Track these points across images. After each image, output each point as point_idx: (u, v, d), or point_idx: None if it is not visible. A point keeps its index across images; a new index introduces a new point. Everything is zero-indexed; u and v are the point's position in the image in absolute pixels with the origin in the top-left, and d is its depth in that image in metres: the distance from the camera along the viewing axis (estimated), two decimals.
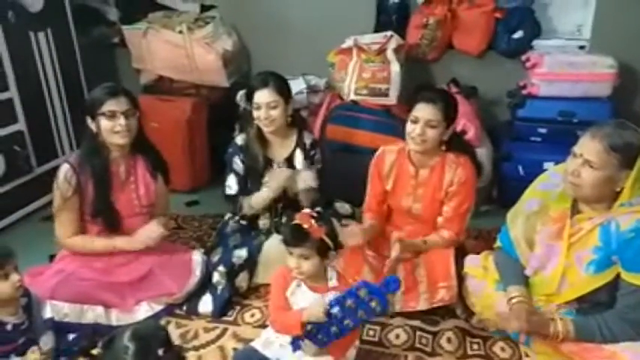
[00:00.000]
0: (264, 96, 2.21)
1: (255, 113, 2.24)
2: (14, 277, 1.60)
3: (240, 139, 2.36)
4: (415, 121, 2.00)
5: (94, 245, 2.06)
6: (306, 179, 2.27)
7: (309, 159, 2.36)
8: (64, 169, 2.01)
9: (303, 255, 1.59)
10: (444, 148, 2.07)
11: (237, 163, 2.34)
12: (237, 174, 2.34)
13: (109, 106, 1.97)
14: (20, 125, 2.87)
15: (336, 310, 1.55)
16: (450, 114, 2.02)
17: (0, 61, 2.72)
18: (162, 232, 2.10)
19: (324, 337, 1.57)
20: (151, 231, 2.09)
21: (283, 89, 2.26)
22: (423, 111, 1.98)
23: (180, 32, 3.19)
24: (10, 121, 2.80)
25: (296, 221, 1.61)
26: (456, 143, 2.10)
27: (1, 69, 2.73)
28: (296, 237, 1.59)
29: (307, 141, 2.37)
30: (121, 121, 1.98)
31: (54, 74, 3.09)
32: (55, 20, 3.09)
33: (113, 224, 2.07)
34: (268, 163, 2.33)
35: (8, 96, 2.79)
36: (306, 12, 3.26)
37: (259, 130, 2.31)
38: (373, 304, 1.55)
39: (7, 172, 2.78)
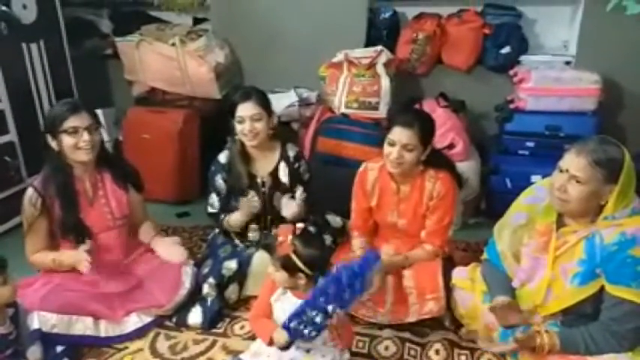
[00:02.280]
0: (247, 109, 2.22)
1: (239, 127, 2.25)
2: (13, 282, 1.66)
3: (223, 157, 2.36)
4: (392, 145, 2.02)
5: (47, 259, 2.03)
6: (288, 209, 2.27)
7: (293, 171, 2.36)
8: (29, 193, 2.00)
9: (274, 265, 1.62)
10: (422, 167, 2.10)
11: (219, 182, 2.35)
12: (218, 193, 2.36)
13: (71, 122, 1.96)
14: (11, 136, 2.87)
15: (294, 324, 1.54)
16: (427, 136, 2.04)
17: None
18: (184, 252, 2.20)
19: (311, 330, 1.55)
20: (175, 251, 2.18)
21: (265, 102, 2.28)
22: (400, 135, 2.00)
23: (173, 45, 3.22)
24: (1, 132, 2.81)
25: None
26: (434, 159, 2.12)
27: None
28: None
29: (291, 153, 2.38)
30: (85, 137, 1.96)
31: (46, 85, 3.10)
32: (47, 32, 3.11)
33: (84, 241, 2.04)
34: (252, 179, 2.33)
35: (0, 107, 2.79)
36: (298, 26, 3.29)
37: (242, 145, 2.32)
38: (356, 285, 1.53)
39: None
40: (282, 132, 2.49)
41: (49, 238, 2.05)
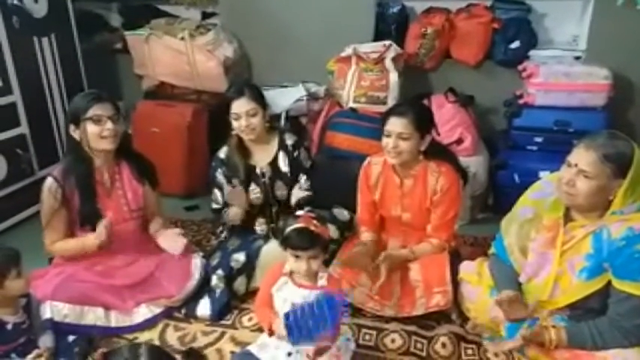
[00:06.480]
0: (242, 105, 2.24)
1: (235, 123, 2.27)
2: (26, 274, 1.69)
3: (222, 153, 2.39)
4: (388, 135, 2.05)
5: (68, 246, 2.07)
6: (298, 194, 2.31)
7: (293, 159, 2.38)
8: (49, 183, 2.02)
9: (312, 256, 1.64)
10: (421, 157, 2.11)
11: (219, 178, 2.37)
12: (220, 188, 2.38)
13: (96, 110, 1.99)
14: (23, 129, 2.91)
15: (291, 319, 1.56)
16: (422, 125, 2.05)
17: (4, 66, 2.77)
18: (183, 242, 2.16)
19: (300, 336, 1.57)
20: (175, 241, 2.15)
21: (259, 96, 2.30)
22: (394, 124, 2.03)
23: (182, 39, 3.24)
24: (13, 125, 2.84)
25: (300, 225, 1.64)
26: (436, 151, 2.13)
27: (5, 73, 2.78)
28: (307, 240, 1.63)
29: (289, 142, 2.40)
30: (109, 125, 2.00)
31: (57, 79, 3.13)
32: (58, 26, 3.14)
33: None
34: (251, 170, 2.35)
35: (12, 100, 2.83)
36: (307, 20, 3.30)
37: (240, 140, 2.34)
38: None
39: (10, 174, 2.82)
40: (293, 126, 2.50)
41: (68, 228, 2.08)
